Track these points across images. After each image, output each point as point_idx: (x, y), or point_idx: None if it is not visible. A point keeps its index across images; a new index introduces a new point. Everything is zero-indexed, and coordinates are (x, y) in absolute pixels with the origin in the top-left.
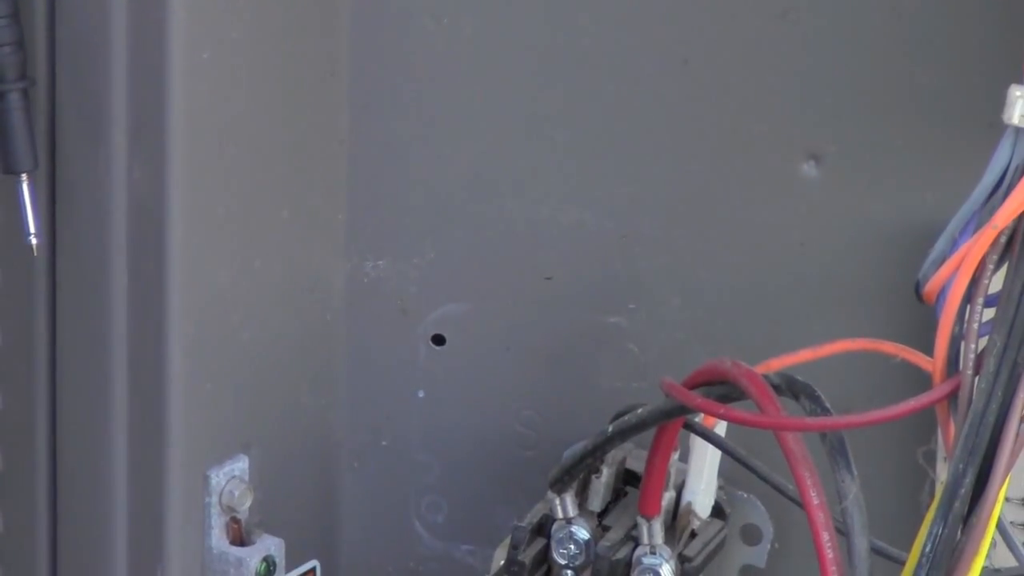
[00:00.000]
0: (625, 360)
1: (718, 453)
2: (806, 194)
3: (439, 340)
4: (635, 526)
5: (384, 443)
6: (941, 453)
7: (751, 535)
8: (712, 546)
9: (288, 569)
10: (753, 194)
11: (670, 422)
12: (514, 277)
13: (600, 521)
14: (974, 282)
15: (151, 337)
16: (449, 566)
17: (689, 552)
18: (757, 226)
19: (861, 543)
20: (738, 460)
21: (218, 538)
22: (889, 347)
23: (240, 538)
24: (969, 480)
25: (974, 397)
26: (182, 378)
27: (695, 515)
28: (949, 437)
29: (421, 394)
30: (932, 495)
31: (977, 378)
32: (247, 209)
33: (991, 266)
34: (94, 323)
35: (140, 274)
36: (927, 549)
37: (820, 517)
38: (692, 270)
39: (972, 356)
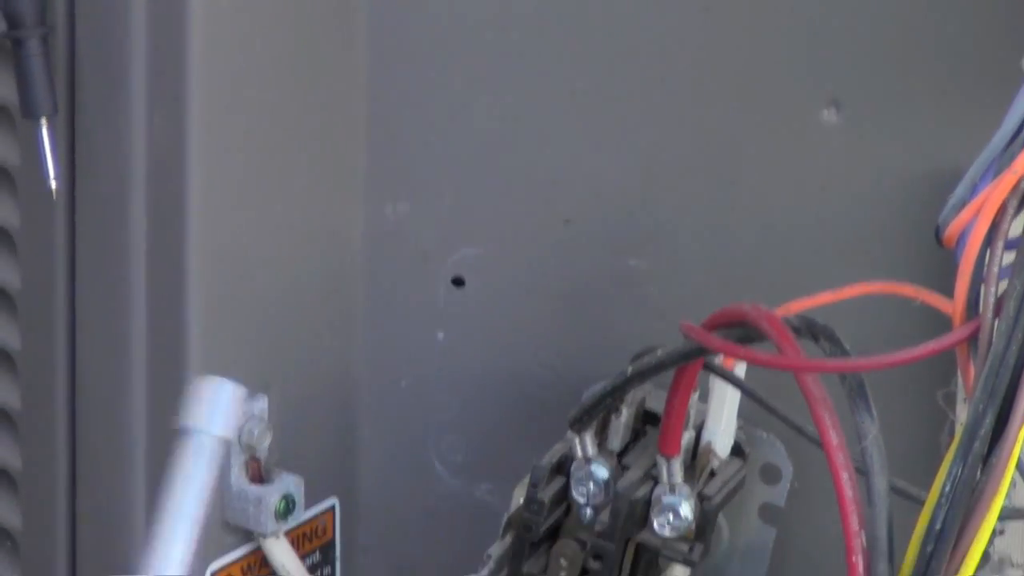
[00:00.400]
0: (644, 302)
1: (738, 393)
2: (826, 140)
3: (459, 282)
4: (655, 465)
5: (404, 384)
6: (961, 395)
7: (770, 474)
8: (731, 485)
9: (307, 507)
10: (774, 140)
11: (689, 363)
12: (533, 220)
13: (619, 460)
14: (994, 226)
15: (171, 280)
16: (468, 505)
17: (708, 491)
18: (777, 171)
19: (880, 483)
20: (757, 401)
21: (238, 477)
22: (908, 290)
23: (259, 477)
24: (989, 421)
25: (994, 339)
26: (202, 320)
27: (715, 454)
28: (969, 379)
29: (441, 336)
30: (952, 436)
31: (997, 321)
32: (267, 153)
33: (1011, 211)
34: (113, 267)
35: (159, 218)
36: (946, 489)
37: (840, 457)
38: (712, 214)
39: (992, 299)
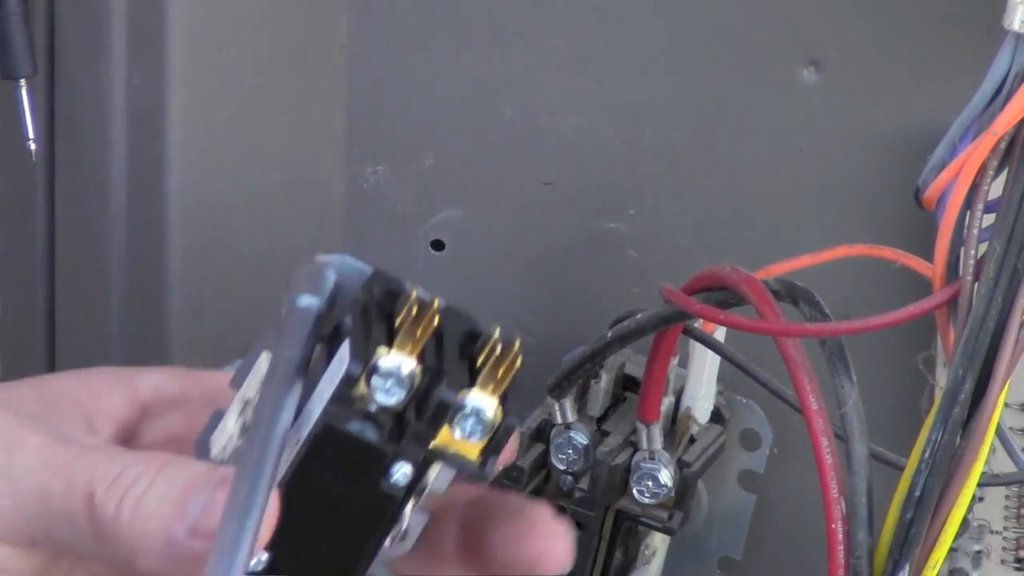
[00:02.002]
0: (624, 265)
1: (717, 359)
2: (806, 100)
3: (438, 245)
4: (634, 431)
5: None
6: (941, 359)
7: (750, 440)
8: (711, 451)
9: None
10: (753, 100)
11: (669, 328)
12: (513, 183)
13: (599, 426)
14: (974, 188)
15: (150, 243)
16: None
17: (688, 457)
18: (757, 132)
19: (860, 449)
20: (737, 365)
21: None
22: (888, 252)
23: None
24: (968, 386)
25: (974, 303)
26: (181, 283)
27: (694, 420)
28: (949, 343)
29: None
30: (932, 401)
31: (977, 284)
32: (246, 115)
33: (991, 172)
34: (93, 229)
35: (139, 180)
36: (926, 455)
37: (819, 423)
38: (692, 176)
39: (972, 262)
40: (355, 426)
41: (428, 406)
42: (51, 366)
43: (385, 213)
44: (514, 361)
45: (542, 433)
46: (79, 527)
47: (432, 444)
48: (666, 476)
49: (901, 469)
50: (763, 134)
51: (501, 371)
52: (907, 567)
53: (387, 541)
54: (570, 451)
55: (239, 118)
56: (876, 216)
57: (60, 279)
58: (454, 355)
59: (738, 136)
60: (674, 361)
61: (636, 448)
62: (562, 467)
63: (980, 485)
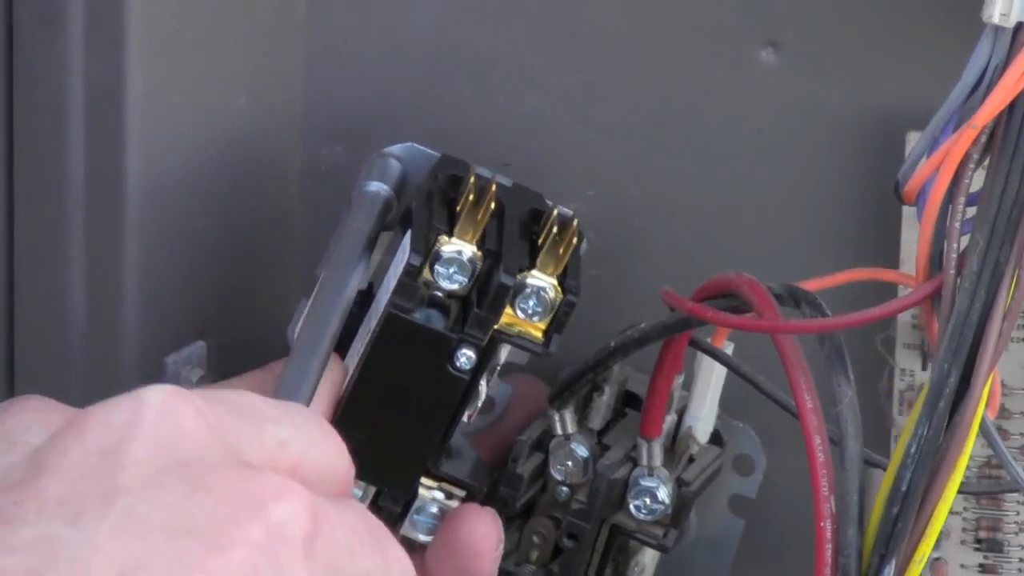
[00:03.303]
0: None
1: (722, 378)
2: (764, 81)
3: None
4: (634, 447)
5: None
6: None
7: (744, 466)
8: (709, 472)
9: None
10: (711, 80)
11: (675, 339)
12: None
13: (600, 440)
14: (955, 181)
15: (107, 224)
16: None
17: (687, 476)
18: (715, 112)
19: (854, 447)
20: (743, 377)
21: None
22: (894, 276)
23: None
24: (953, 380)
25: (957, 297)
26: (138, 266)
27: (695, 440)
28: (933, 335)
29: None
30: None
31: (959, 278)
32: (204, 97)
33: (972, 165)
34: (50, 212)
35: (96, 163)
36: (912, 450)
37: (813, 421)
38: (649, 157)
39: (954, 256)
40: (419, 315)
41: (489, 289)
42: (10, 350)
43: (343, 195)
44: (571, 240)
45: (542, 443)
46: None
47: (496, 326)
48: (664, 493)
49: (874, 464)
50: (721, 115)
51: (560, 250)
52: (893, 562)
53: (464, 417)
54: (569, 463)
55: (196, 99)
56: (835, 197)
57: (18, 264)
58: (514, 235)
59: (696, 117)
60: (679, 380)
61: (635, 464)
62: (560, 478)
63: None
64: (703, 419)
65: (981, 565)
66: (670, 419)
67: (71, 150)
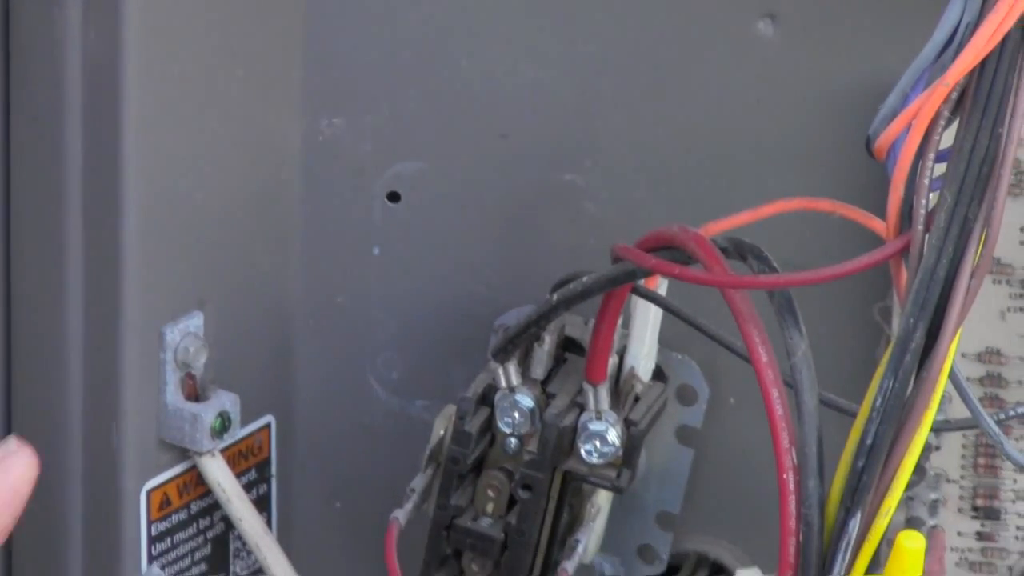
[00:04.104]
0: (581, 218)
1: (659, 317)
2: (762, 53)
3: (394, 197)
4: (580, 392)
5: (339, 300)
6: (897, 309)
7: (687, 396)
8: (655, 409)
9: (243, 425)
10: (709, 52)
11: (619, 288)
12: (469, 135)
13: (544, 389)
14: (926, 138)
15: (106, 197)
16: (404, 422)
17: (634, 416)
18: (713, 85)
19: (810, 399)
20: (685, 319)
21: (173, 394)
22: (826, 204)
23: (195, 394)
24: (920, 334)
25: (924, 252)
26: (137, 237)
27: (638, 379)
28: (902, 292)
29: (376, 251)
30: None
31: (928, 234)
32: (202, 69)
33: (942, 122)
34: (48, 184)
35: (95, 135)
36: (877, 403)
37: (769, 374)
38: (648, 128)
39: (923, 212)
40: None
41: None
42: (7, 321)
43: (342, 166)
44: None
45: (486, 397)
46: None
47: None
48: (614, 435)
49: (855, 415)
50: (719, 86)
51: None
52: (859, 514)
53: None
54: (516, 414)
55: (195, 71)
56: (832, 168)
57: (15, 236)
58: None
59: (694, 88)
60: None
61: (583, 409)
62: (508, 431)
63: (935, 431)
64: (644, 357)
65: (978, 533)
66: (612, 361)
67: (69, 123)
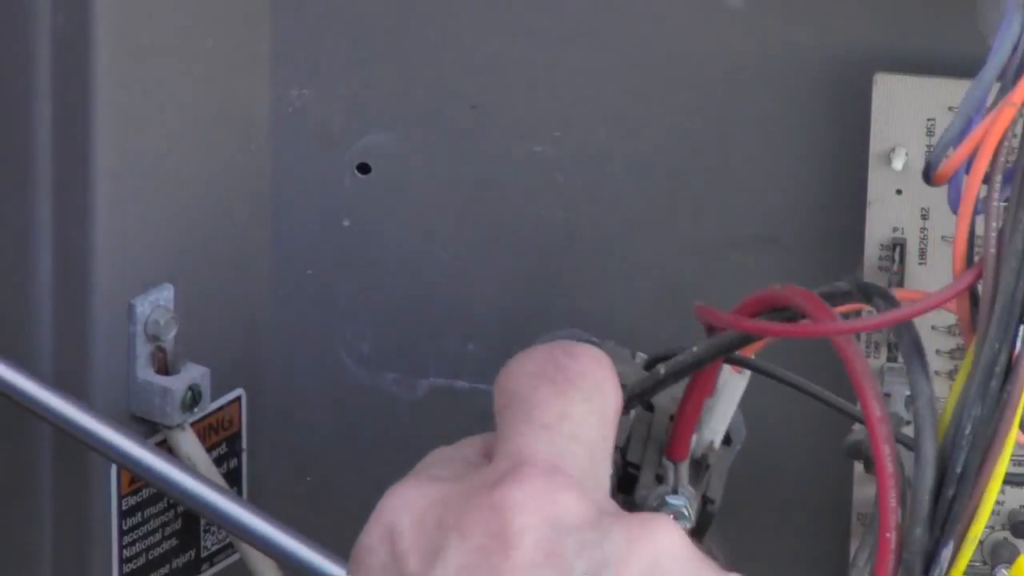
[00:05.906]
0: (551, 189)
1: (743, 389)
2: (731, 23)
3: (364, 169)
4: (660, 465)
5: (309, 272)
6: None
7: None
8: (725, 477)
9: (213, 398)
10: (678, 22)
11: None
12: (439, 105)
13: (624, 456)
14: (993, 160)
15: (75, 168)
16: (374, 395)
17: (712, 494)
18: (682, 55)
19: (929, 448)
20: (793, 386)
21: (143, 367)
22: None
23: (165, 367)
24: (1004, 358)
25: (1003, 275)
26: (106, 208)
27: (713, 451)
28: (965, 317)
29: (346, 223)
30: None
31: (1003, 258)
32: (171, 39)
33: (1007, 144)
34: (17, 156)
35: (64, 106)
36: (966, 431)
37: (882, 430)
38: (617, 98)
39: (994, 233)
40: None
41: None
42: None
43: (311, 137)
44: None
45: None
46: None
47: None
48: (690, 511)
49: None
50: (688, 57)
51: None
52: (951, 544)
53: None
54: None
55: (164, 41)
56: (803, 142)
57: None
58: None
59: (663, 59)
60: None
61: (660, 481)
62: None
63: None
64: (722, 431)
65: None
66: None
67: (37, 95)
